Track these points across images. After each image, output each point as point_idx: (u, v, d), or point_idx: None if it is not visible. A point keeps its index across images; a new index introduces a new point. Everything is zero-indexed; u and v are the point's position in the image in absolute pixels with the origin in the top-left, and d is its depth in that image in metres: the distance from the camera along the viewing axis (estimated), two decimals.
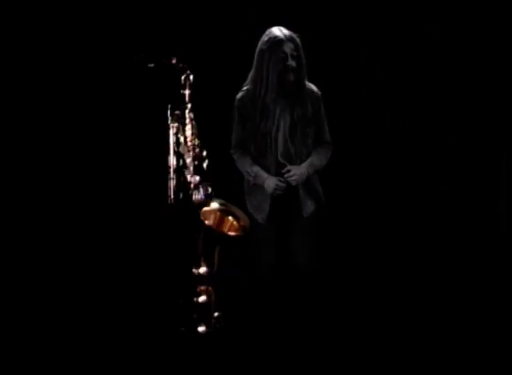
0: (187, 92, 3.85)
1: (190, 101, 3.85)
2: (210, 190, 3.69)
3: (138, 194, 4.91)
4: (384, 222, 5.12)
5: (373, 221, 5.11)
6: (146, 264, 4.76)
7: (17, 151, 4.88)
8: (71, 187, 4.93)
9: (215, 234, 3.66)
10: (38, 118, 4.90)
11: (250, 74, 4.21)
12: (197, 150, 3.76)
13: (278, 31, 4.13)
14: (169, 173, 3.75)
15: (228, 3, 4.96)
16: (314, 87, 4.28)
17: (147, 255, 4.76)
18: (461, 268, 4.97)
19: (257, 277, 4.33)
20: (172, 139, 3.75)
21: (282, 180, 4.21)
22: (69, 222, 4.91)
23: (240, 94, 4.25)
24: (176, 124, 3.76)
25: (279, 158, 4.23)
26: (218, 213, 3.74)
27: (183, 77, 3.84)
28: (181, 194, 3.71)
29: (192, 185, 3.70)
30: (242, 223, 3.72)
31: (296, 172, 4.20)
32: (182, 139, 3.77)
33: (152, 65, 3.80)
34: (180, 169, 3.73)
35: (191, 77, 3.84)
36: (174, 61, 3.81)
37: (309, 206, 4.28)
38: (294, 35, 4.14)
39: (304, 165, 4.23)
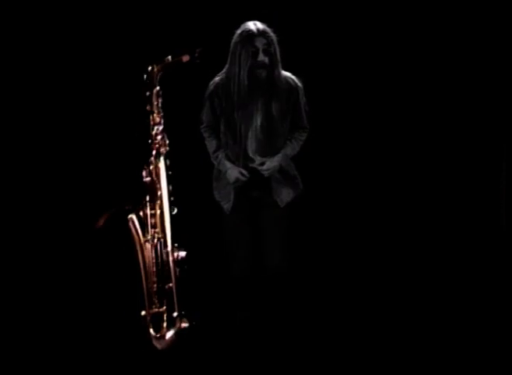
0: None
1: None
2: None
3: None
4: (382, 221, 5.11)
5: (358, 215, 5.09)
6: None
7: (8, 146, 4.96)
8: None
9: None
10: (36, 116, 4.98)
11: (226, 66, 4.13)
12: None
13: (252, 25, 4.04)
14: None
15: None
16: (292, 79, 4.16)
17: None
18: (461, 268, 4.93)
19: (231, 276, 4.27)
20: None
21: (244, 173, 4.13)
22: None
23: (212, 83, 4.18)
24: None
25: (249, 153, 4.16)
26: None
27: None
28: None
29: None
30: None
31: (270, 165, 4.13)
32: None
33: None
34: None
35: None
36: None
37: (285, 196, 4.21)
38: (268, 29, 4.04)
39: (277, 158, 4.15)
